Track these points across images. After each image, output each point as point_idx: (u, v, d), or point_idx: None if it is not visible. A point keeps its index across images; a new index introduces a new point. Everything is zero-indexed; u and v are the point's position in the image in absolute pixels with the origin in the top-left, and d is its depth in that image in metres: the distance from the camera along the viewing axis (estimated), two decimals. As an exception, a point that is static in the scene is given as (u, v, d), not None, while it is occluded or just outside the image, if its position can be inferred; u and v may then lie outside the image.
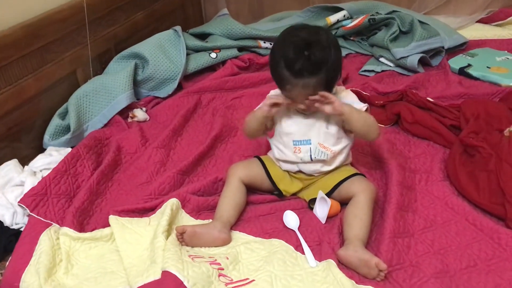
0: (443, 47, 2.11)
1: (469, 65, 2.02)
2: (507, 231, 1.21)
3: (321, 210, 1.28)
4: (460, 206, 1.31)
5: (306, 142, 1.30)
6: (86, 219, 1.35)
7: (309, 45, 1.18)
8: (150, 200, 1.39)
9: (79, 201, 1.36)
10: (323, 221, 1.27)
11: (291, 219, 1.28)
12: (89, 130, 1.76)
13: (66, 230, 1.27)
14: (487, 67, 1.99)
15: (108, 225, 1.30)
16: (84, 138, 1.69)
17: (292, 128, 1.30)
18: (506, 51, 2.12)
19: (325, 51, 1.20)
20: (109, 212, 1.33)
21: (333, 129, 1.29)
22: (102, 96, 1.83)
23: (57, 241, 1.24)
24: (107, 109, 1.82)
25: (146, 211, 1.36)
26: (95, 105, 1.81)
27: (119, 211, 1.33)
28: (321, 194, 1.27)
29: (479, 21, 2.41)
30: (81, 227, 1.30)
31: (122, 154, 1.65)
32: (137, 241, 1.24)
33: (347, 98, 1.30)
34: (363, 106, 1.29)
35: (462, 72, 2.00)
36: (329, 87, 1.23)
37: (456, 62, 2.06)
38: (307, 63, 1.17)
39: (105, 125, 1.81)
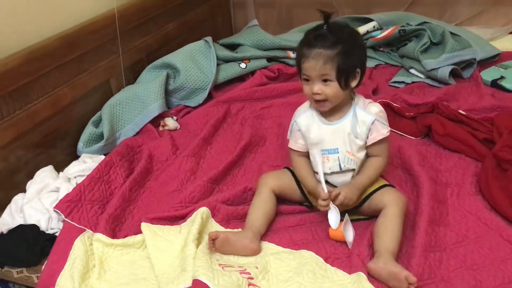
0: (474, 59, 2.09)
1: (502, 77, 1.99)
2: (543, 247, 1.19)
3: (348, 234, 1.26)
4: (493, 221, 1.29)
5: (334, 151, 1.30)
6: (119, 226, 1.37)
7: (329, 24, 1.22)
8: (180, 208, 1.41)
9: (112, 207, 1.39)
10: (350, 246, 1.24)
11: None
12: (122, 138, 1.80)
13: (99, 236, 1.29)
14: (521, 79, 1.95)
15: (140, 232, 1.32)
16: (116, 145, 1.73)
17: (319, 136, 1.30)
18: (540, 63, 2.08)
19: (343, 33, 1.23)
20: (140, 219, 1.35)
21: (360, 141, 1.29)
22: (135, 105, 1.87)
23: (90, 247, 1.27)
24: (139, 118, 1.86)
25: (177, 219, 1.38)
26: (127, 114, 1.85)
27: (151, 218, 1.35)
28: (347, 217, 1.26)
29: (512, 33, 2.38)
30: (113, 234, 1.33)
31: (154, 162, 1.67)
32: (168, 249, 1.26)
33: (371, 111, 1.28)
34: (386, 132, 1.29)
35: (494, 84, 1.97)
36: (340, 76, 1.22)
37: (489, 74, 2.03)
38: (322, 34, 1.21)
39: (137, 133, 1.84)
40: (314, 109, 1.32)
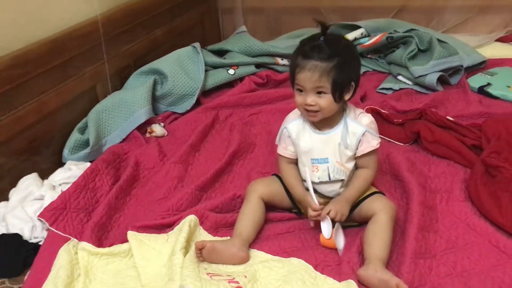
0: (462, 66, 2.10)
1: (488, 84, 2.00)
2: (532, 254, 1.19)
3: (339, 241, 1.24)
4: (482, 227, 1.29)
5: (324, 160, 1.28)
6: (104, 234, 1.35)
7: (326, 36, 1.21)
8: (168, 216, 1.39)
9: (97, 216, 1.37)
10: (341, 254, 1.22)
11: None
12: (108, 145, 1.77)
13: (84, 245, 1.26)
14: (507, 86, 1.97)
15: (126, 241, 1.29)
16: (102, 152, 1.70)
17: (309, 145, 1.29)
18: (526, 71, 2.10)
19: (340, 45, 1.23)
20: (127, 228, 1.33)
21: (350, 152, 1.28)
22: (121, 111, 1.84)
23: (75, 256, 1.24)
24: (125, 124, 1.84)
25: (164, 227, 1.35)
26: (114, 120, 1.82)
27: (137, 226, 1.33)
28: (338, 225, 1.25)
29: (498, 40, 2.40)
30: (99, 242, 1.30)
31: (140, 169, 1.65)
32: (155, 258, 1.23)
33: (362, 122, 1.27)
34: (376, 144, 1.27)
35: (481, 91, 1.99)
36: (335, 89, 1.20)
37: (476, 81, 2.04)
38: (318, 46, 1.19)
39: (123, 140, 1.81)
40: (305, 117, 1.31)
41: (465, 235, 1.28)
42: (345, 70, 1.21)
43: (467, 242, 1.25)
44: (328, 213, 1.23)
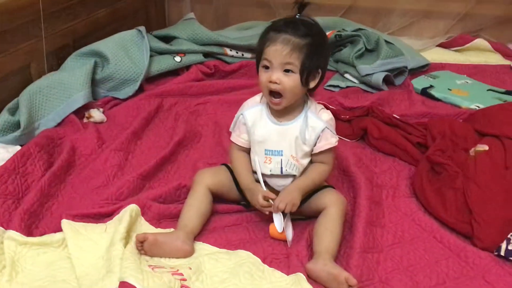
0: (406, 67, 2.15)
1: (431, 86, 2.06)
2: (474, 249, 1.21)
3: (289, 232, 1.21)
4: (427, 223, 1.31)
5: (278, 153, 1.24)
6: (35, 223, 1.24)
7: (302, 16, 1.18)
8: (106, 205, 1.30)
9: (28, 203, 1.26)
10: (290, 245, 1.20)
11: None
12: (41, 129, 1.64)
13: (11, 233, 1.15)
14: (449, 89, 2.03)
15: (60, 230, 1.19)
16: (35, 136, 1.58)
17: (265, 135, 1.24)
18: (465, 75, 2.19)
19: (315, 28, 1.20)
20: (61, 216, 1.23)
21: (307, 148, 1.24)
22: (57, 93, 1.72)
23: (0, 246, 1.12)
24: (61, 107, 1.72)
25: (102, 216, 1.26)
26: (49, 103, 1.70)
27: (73, 215, 1.23)
28: (288, 216, 1.22)
29: (439, 45, 2.48)
30: (29, 231, 1.19)
31: (77, 155, 1.55)
32: (92, 248, 1.15)
33: (322, 118, 1.23)
34: (335, 142, 1.25)
35: (424, 92, 2.04)
36: (304, 70, 1.16)
37: (419, 83, 2.09)
38: (294, 22, 1.16)
39: (59, 124, 1.69)
40: (264, 105, 1.25)
41: (410, 230, 1.29)
42: (316, 53, 1.17)
43: (413, 237, 1.27)
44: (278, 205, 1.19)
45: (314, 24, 1.21)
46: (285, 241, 1.20)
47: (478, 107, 1.87)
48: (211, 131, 1.73)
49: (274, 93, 1.18)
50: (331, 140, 1.24)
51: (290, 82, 1.16)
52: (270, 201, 1.20)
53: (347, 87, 2.10)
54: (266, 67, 1.18)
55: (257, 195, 1.20)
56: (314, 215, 1.25)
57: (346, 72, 2.16)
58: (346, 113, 1.81)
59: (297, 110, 1.24)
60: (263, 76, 1.18)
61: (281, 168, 1.25)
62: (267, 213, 1.22)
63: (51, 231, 1.21)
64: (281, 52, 1.14)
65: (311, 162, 1.27)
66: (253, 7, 2.67)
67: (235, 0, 2.70)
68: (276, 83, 1.16)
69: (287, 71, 1.16)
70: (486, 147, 1.47)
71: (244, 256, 1.15)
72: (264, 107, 1.26)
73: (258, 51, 1.21)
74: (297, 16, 1.18)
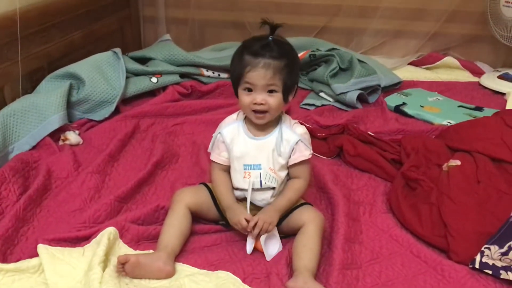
0: (379, 85, 2.20)
1: (404, 104, 2.11)
2: (450, 262, 1.23)
3: (271, 247, 1.23)
4: (404, 238, 1.33)
5: (257, 167, 1.26)
6: (10, 248, 1.21)
7: (273, 37, 1.22)
8: (84, 228, 1.28)
9: (2, 228, 1.23)
10: (268, 259, 1.22)
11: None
12: (15, 152, 1.62)
13: (-15, 260, 1.13)
14: (421, 106, 2.08)
15: (36, 255, 1.17)
16: (9, 160, 1.55)
17: (243, 151, 1.26)
18: (436, 92, 2.25)
19: (287, 46, 1.24)
20: (37, 241, 1.21)
21: (283, 160, 1.27)
22: (32, 116, 1.70)
23: (-26, 273, 1.10)
24: (36, 130, 1.70)
25: (79, 240, 1.25)
26: (23, 126, 1.68)
27: (49, 239, 1.21)
28: (275, 230, 1.23)
29: (410, 64, 2.55)
30: (3, 257, 1.17)
31: (52, 178, 1.53)
32: (69, 273, 1.12)
33: (296, 131, 1.27)
34: (308, 155, 1.28)
35: (397, 109, 2.08)
36: (285, 88, 1.21)
37: (392, 100, 2.14)
38: (268, 45, 1.19)
39: (34, 148, 1.67)
40: (241, 122, 1.29)
41: (388, 246, 1.30)
42: (293, 71, 1.23)
43: (391, 252, 1.28)
44: (255, 226, 1.20)
45: (286, 43, 1.25)
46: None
47: (450, 123, 1.92)
48: (189, 151, 1.74)
49: (258, 111, 1.22)
50: (304, 152, 1.27)
51: (275, 101, 1.21)
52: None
53: (323, 105, 2.13)
54: (249, 89, 1.21)
55: (239, 216, 1.22)
56: (292, 233, 1.26)
57: (321, 91, 2.20)
58: (322, 131, 1.84)
59: (273, 125, 1.28)
60: (246, 98, 1.22)
61: (260, 181, 1.27)
62: (246, 233, 1.24)
63: (26, 256, 1.18)
64: (265, 76, 1.18)
65: (288, 175, 1.30)
66: (228, 28, 2.71)
67: (210, 21, 2.73)
68: (262, 104, 1.20)
69: (271, 91, 1.21)
70: (458, 162, 1.51)
71: (224, 277, 1.15)
72: (241, 124, 1.28)
73: (236, 74, 1.23)
74: (270, 38, 1.21)
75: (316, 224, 1.23)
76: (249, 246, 1.24)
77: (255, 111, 1.22)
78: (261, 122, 1.25)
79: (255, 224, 1.20)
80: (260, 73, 1.18)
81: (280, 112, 1.27)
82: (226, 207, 1.27)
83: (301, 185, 1.29)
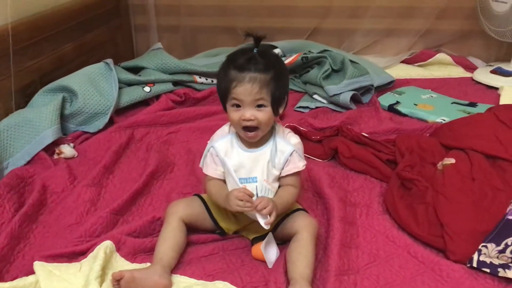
0: (372, 85, 2.20)
1: (397, 102, 2.11)
2: (447, 262, 1.23)
3: (270, 253, 1.22)
4: (401, 239, 1.32)
5: (252, 180, 1.24)
6: (6, 267, 1.21)
7: (258, 49, 1.18)
8: (80, 243, 1.28)
9: (-3, 246, 1.23)
10: (270, 266, 1.21)
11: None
12: (10, 168, 1.62)
13: (-19, 280, 1.13)
14: (414, 104, 2.08)
15: (32, 272, 1.17)
16: (4, 176, 1.55)
17: (238, 164, 1.24)
18: (429, 90, 2.25)
19: (273, 57, 1.20)
20: (33, 258, 1.21)
21: (277, 171, 1.26)
22: (26, 131, 1.70)
23: (-30, 294, 1.10)
24: (30, 145, 1.70)
25: (76, 255, 1.24)
26: (17, 141, 1.68)
27: (46, 256, 1.21)
28: (270, 236, 1.22)
29: (403, 62, 2.56)
30: (0, 276, 1.16)
31: (48, 193, 1.53)
32: (66, 290, 1.13)
33: (291, 141, 1.25)
34: (302, 166, 1.26)
35: (391, 109, 2.08)
36: (274, 101, 1.18)
37: (386, 100, 2.14)
38: (254, 58, 1.15)
39: (28, 163, 1.67)
40: (233, 134, 1.26)
41: (385, 248, 1.30)
42: (281, 82, 1.19)
43: (388, 254, 1.28)
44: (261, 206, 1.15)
45: (272, 54, 1.22)
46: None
47: (444, 120, 1.92)
48: (184, 160, 1.73)
49: (248, 127, 1.19)
50: (298, 164, 1.25)
51: (264, 115, 1.18)
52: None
53: (317, 107, 2.13)
54: (237, 105, 1.18)
55: (238, 190, 1.17)
56: (287, 240, 1.25)
57: (315, 93, 2.20)
58: (317, 133, 1.84)
59: (266, 135, 1.25)
60: (235, 114, 1.19)
61: (257, 194, 1.25)
62: (247, 209, 1.17)
63: (23, 274, 1.18)
64: (251, 91, 1.15)
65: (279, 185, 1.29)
66: (220, 34, 2.71)
67: (202, 27, 2.73)
68: (251, 119, 1.17)
69: (259, 106, 1.17)
70: (453, 160, 1.51)
71: (222, 287, 1.15)
72: (233, 137, 1.26)
73: (223, 90, 1.20)
74: (254, 51, 1.17)
75: (309, 231, 1.22)
76: (262, 220, 1.16)
77: (246, 128, 1.19)
78: (254, 140, 1.22)
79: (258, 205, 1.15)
80: (247, 87, 1.15)
81: (271, 125, 1.23)
82: (224, 197, 1.21)
83: (294, 191, 1.27)
